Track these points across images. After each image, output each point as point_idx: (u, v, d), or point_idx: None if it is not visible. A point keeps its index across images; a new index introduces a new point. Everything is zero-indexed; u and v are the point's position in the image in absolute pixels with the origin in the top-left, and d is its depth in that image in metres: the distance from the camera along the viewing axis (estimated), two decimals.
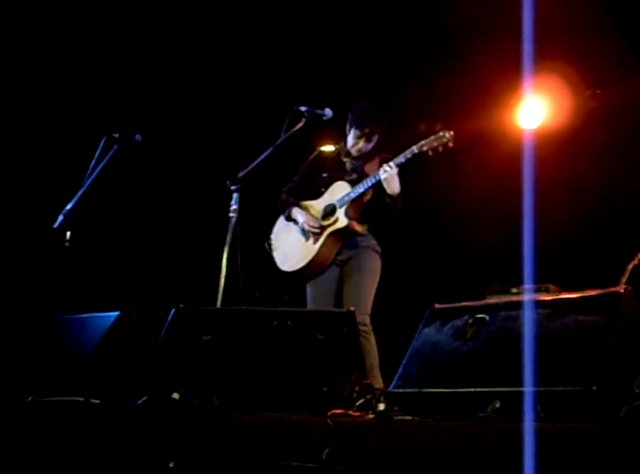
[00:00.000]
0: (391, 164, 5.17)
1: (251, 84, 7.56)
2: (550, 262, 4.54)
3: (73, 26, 6.98)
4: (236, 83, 7.57)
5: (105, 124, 5.51)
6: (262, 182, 5.39)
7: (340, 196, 5.36)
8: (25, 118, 7.07)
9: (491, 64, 6.61)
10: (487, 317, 3.58)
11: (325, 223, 5.36)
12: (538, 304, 3.48)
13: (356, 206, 5.34)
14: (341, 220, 5.31)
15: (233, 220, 5.13)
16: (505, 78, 6.64)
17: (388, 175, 5.15)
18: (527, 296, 4.61)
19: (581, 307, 3.38)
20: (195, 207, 7.63)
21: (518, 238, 4.46)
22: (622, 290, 3.38)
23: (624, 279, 5.89)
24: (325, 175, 5.49)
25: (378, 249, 5.47)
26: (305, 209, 5.48)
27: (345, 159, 5.51)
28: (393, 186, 5.18)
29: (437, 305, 3.83)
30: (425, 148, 5.16)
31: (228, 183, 5.16)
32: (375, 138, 5.43)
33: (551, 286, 5.57)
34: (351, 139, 5.46)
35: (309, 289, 5.45)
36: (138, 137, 5.09)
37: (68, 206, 4.85)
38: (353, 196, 5.31)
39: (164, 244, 7.72)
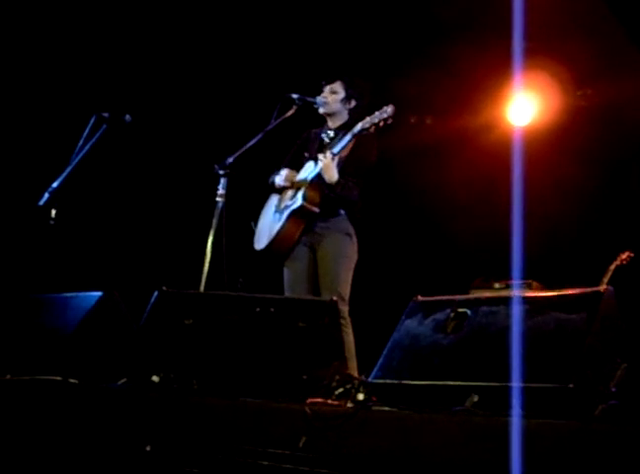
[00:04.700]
0: (327, 153, 5.11)
1: (242, 69, 7.54)
2: (535, 258, 4.55)
3: (64, 5, 6.94)
4: (228, 68, 7.55)
5: (94, 103, 5.48)
6: (250, 168, 5.38)
7: (304, 176, 5.29)
8: (12, 95, 7.03)
9: (482, 61, 6.61)
10: (469, 311, 3.59)
11: (289, 202, 5.30)
12: (520, 301, 3.50)
13: (314, 187, 5.21)
14: (297, 200, 5.22)
15: (220, 205, 5.12)
16: (495, 75, 6.66)
17: (323, 164, 5.09)
18: (510, 292, 4.63)
19: (561, 305, 3.39)
20: (182, 190, 7.62)
21: (503, 233, 4.47)
22: (603, 290, 3.40)
23: (606, 279, 5.94)
24: (307, 154, 5.41)
25: (350, 231, 5.30)
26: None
27: (323, 135, 5.42)
28: (329, 174, 5.09)
29: (419, 297, 3.84)
30: (367, 125, 5.07)
31: (216, 167, 5.15)
32: (342, 96, 5.32)
33: (534, 283, 5.61)
34: (320, 99, 5.35)
35: (285, 272, 5.36)
36: (128, 118, 5.05)
37: (54, 184, 4.82)
38: (309, 177, 5.23)
39: (150, 226, 7.71)
